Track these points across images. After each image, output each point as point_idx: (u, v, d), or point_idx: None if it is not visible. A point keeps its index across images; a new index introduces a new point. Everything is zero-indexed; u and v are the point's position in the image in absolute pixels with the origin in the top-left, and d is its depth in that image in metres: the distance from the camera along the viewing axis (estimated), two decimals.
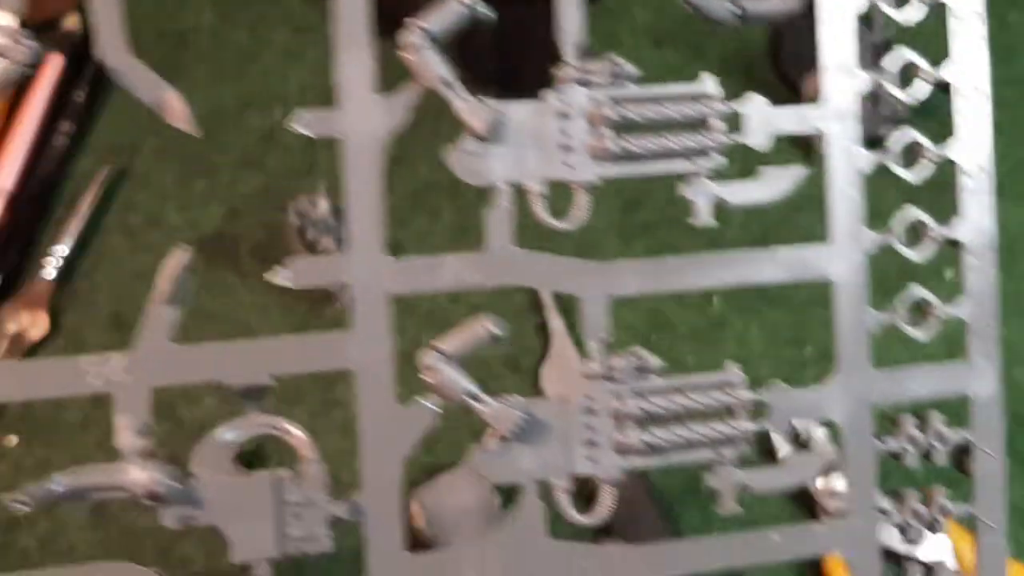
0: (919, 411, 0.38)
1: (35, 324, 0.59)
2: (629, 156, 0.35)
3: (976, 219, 0.37)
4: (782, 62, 0.67)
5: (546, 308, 0.61)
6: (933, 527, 0.36)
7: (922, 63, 0.37)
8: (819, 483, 0.57)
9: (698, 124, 0.35)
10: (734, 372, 0.35)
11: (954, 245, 0.37)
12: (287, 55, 0.68)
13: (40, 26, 0.65)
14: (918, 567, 0.55)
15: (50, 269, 0.61)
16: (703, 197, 0.35)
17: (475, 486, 0.58)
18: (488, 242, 0.34)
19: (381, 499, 0.33)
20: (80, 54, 0.65)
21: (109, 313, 0.60)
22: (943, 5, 0.37)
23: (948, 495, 0.37)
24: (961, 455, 0.37)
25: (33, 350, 0.59)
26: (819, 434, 0.58)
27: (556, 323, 0.60)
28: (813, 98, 0.65)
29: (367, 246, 0.34)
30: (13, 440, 0.57)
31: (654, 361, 0.35)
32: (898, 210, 0.36)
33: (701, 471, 0.36)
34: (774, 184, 0.36)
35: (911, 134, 0.36)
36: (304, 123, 0.33)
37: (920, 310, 0.37)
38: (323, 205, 0.60)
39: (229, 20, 0.69)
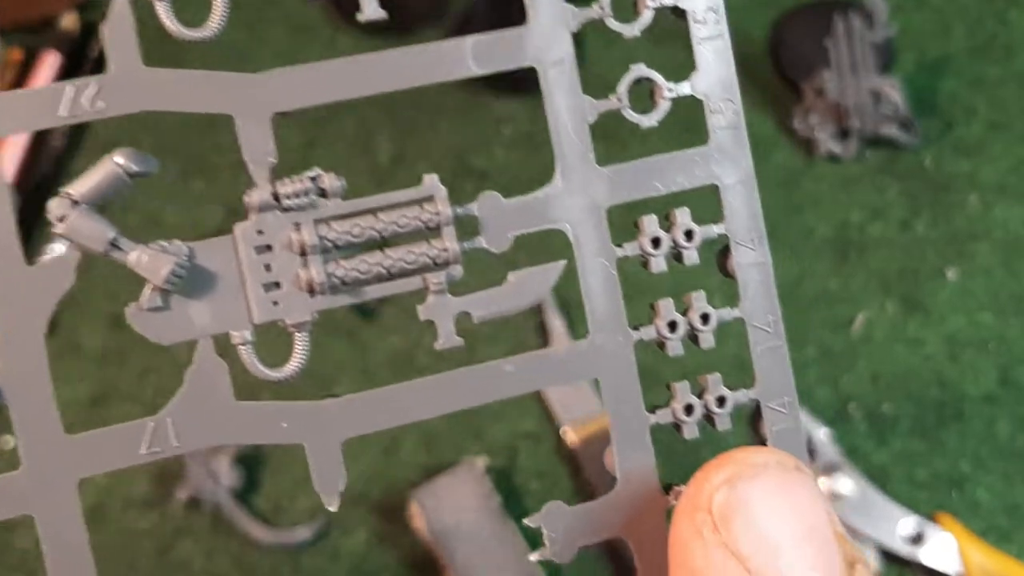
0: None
1: None
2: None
3: None
4: (783, 62, 0.67)
5: (546, 308, 0.61)
6: (696, 339, 0.32)
7: None
8: (822, 485, 0.57)
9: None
10: (434, 184, 0.30)
11: (678, 15, 0.32)
12: (286, 55, 0.68)
13: (38, 25, 0.65)
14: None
15: None
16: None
17: (474, 486, 0.58)
18: (109, 62, 0.29)
19: (23, 377, 0.29)
20: (78, 53, 0.64)
21: (107, 313, 0.60)
22: None
23: (709, 299, 0.31)
24: (723, 255, 0.32)
25: None
26: (821, 435, 0.58)
27: (556, 323, 0.60)
28: (813, 100, 0.65)
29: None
30: (10, 442, 0.57)
31: (334, 181, 0.30)
32: None
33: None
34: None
35: None
36: None
37: (649, 94, 0.31)
38: None
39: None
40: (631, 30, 0.31)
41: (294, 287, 0.30)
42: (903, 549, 0.56)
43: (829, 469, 0.57)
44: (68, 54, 0.64)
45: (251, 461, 0.59)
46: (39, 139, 0.63)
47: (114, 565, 0.58)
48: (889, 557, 0.57)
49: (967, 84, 0.68)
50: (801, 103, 0.66)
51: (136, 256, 0.29)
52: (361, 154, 0.65)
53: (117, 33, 0.29)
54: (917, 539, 0.56)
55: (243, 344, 0.29)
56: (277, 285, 0.29)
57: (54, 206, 0.29)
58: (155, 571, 0.58)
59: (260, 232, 0.29)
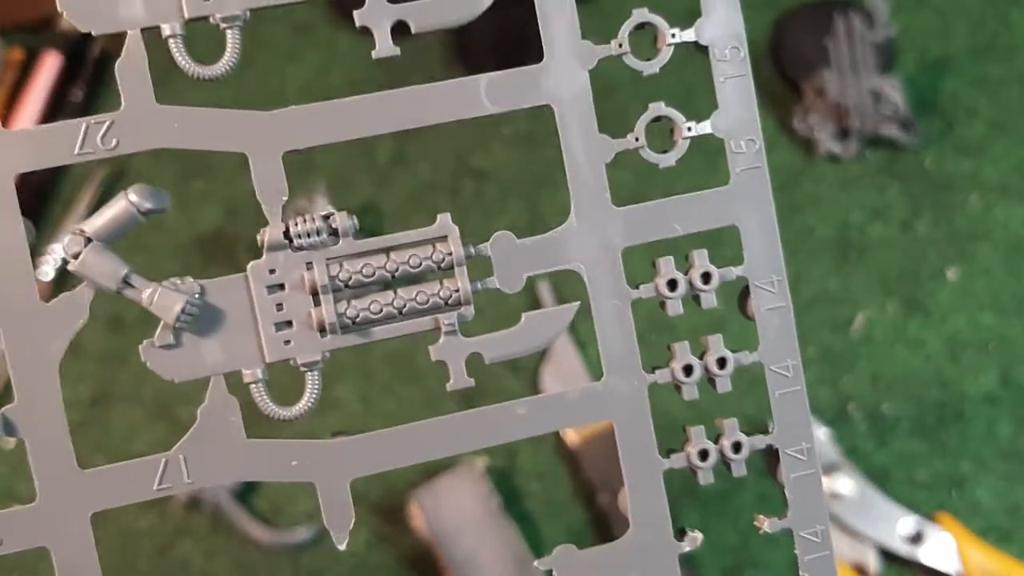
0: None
1: None
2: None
3: (723, 16, 0.31)
4: (783, 62, 0.67)
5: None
6: (713, 382, 0.31)
7: None
8: None
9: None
10: (447, 224, 0.30)
11: (700, 50, 0.31)
12: (286, 55, 0.68)
13: (38, 25, 0.65)
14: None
15: (48, 269, 0.60)
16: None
17: (474, 486, 0.58)
18: (122, 100, 0.29)
19: (38, 410, 0.29)
20: (77, 53, 0.64)
21: (107, 314, 0.60)
22: None
23: (728, 344, 0.31)
24: (743, 297, 0.32)
25: None
26: (820, 434, 0.58)
27: None
28: (813, 100, 0.65)
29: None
30: (11, 442, 0.57)
31: (346, 221, 0.30)
32: (626, 18, 0.31)
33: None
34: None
35: None
36: None
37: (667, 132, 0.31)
38: (322, 205, 0.60)
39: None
40: (651, 67, 0.31)
41: (305, 326, 0.30)
42: (902, 549, 0.56)
43: (829, 469, 0.57)
44: (68, 54, 0.64)
45: None
46: None
47: (114, 565, 0.58)
48: (889, 557, 0.57)
49: (968, 84, 0.68)
50: (801, 103, 0.66)
51: (149, 294, 0.29)
52: (361, 154, 0.65)
53: (130, 71, 0.29)
54: (916, 539, 0.56)
55: (255, 383, 0.30)
56: (289, 324, 0.30)
57: (68, 243, 0.29)
58: (155, 571, 0.58)
59: (272, 271, 0.30)
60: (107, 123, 0.29)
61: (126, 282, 0.29)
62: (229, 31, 0.30)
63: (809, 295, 0.63)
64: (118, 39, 0.71)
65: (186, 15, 0.29)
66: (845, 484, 0.57)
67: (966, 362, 0.61)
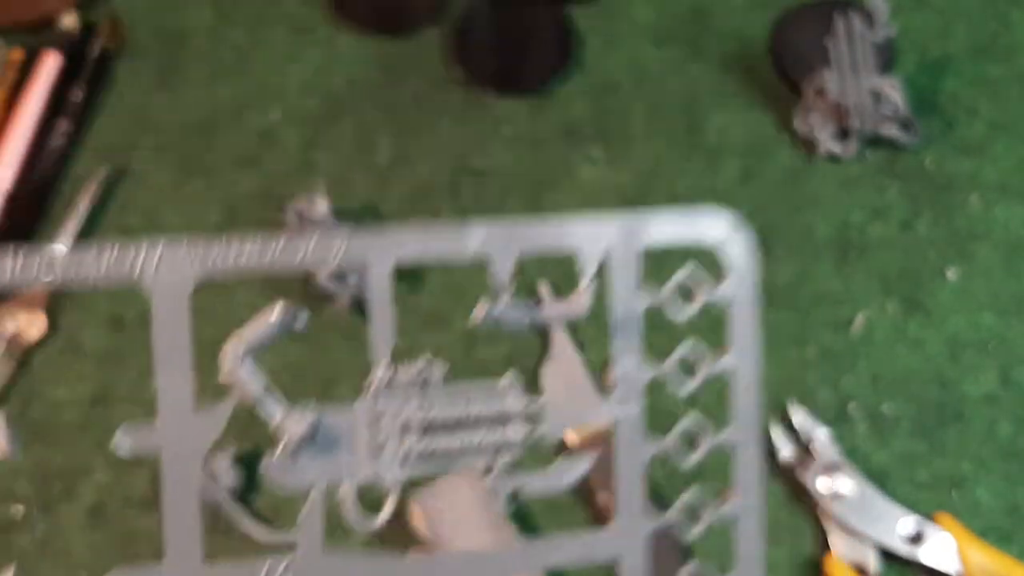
0: None
1: (33, 324, 0.59)
2: (433, 456, 0.37)
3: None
4: (782, 62, 0.67)
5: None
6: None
7: None
8: (822, 485, 0.57)
9: (500, 420, 0.38)
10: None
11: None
12: (285, 55, 0.68)
13: (38, 25, 0.65)
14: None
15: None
16: (503, 490, 0.38)
17: (475, 488, 0.58)
18: (299, 545, 0.37)
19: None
20: (77, 53, 0.64)
21: (107, 314, 0.60)
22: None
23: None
24: None
25: (31, 351, 0.59)
26: (820, 434, 0.58)
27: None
28: (813, 100, 0.65)
29: (182, 557, 0.37)
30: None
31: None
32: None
33: None
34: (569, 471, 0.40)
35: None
36: (123, 444, 0.35)
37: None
38: (321, 205, 0.60)
39: (227, 19, 0.69)
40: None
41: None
42: (902, 549, 0.56)
43: (829, 469, 0.57)
44: (68, 54, 0.64)
45: (251, 461, 0.59)
46: (39, 139, 0.63)
47: (114, 565, 0.58)
48: (889, 557, 0.57)
49: (968, 84, 0.68)
50: (801, 103, 0.66)
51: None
52: (361, 154, 0.65)
53: (311, 523, 0.37)
54: (916, 539, 0.56)
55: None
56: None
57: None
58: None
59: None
60: (284, 565, 0.37)
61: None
62: (392, 494, 0.37)
63: (809, 295, 0.63)
64: (118, 39, 0.71)
65: (360, 481, 0.37)
66: (845, 484, 0.57)
67: (966, 362, 0.61)
